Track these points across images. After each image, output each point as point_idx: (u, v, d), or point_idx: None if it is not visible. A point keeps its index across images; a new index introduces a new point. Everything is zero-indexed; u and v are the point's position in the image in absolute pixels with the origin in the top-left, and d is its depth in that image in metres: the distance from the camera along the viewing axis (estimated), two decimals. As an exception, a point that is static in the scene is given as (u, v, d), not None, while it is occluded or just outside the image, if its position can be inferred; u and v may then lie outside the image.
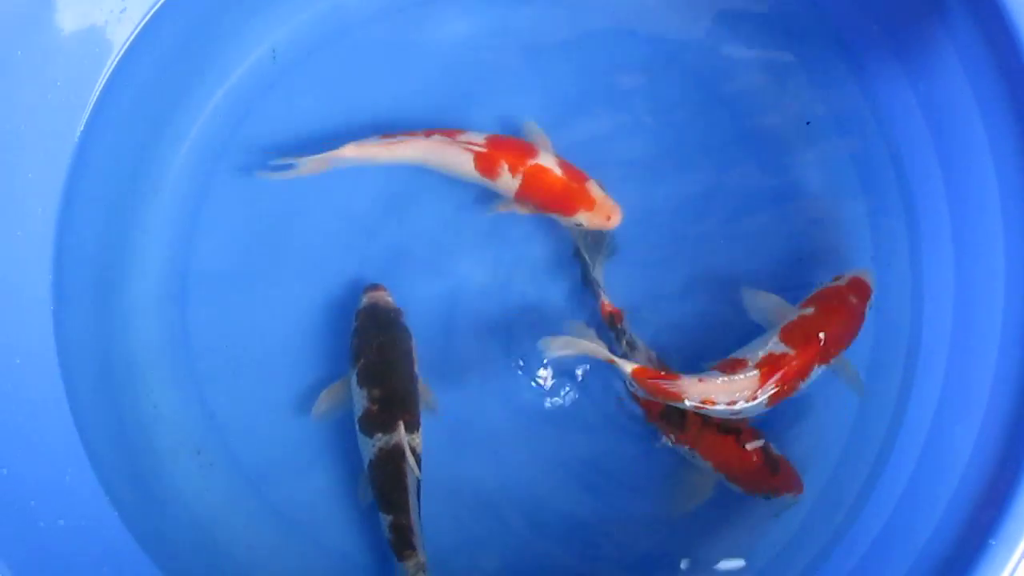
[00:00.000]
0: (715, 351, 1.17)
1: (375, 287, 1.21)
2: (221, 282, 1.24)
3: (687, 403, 1.09)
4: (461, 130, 1.19)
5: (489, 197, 1.23)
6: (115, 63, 1.20)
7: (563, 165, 1.19)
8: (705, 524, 1.21)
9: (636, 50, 1.31)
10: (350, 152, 1.19)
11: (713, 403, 1.09)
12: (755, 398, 1.10)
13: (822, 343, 1.12)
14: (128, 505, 1.14)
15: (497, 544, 1.21)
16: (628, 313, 1.21)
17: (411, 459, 1.11)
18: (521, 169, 1.17)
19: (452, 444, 1.21)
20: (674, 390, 1.09)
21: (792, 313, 1.16)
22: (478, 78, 1.30)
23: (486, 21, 1.31)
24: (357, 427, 1.15)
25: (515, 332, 1.24)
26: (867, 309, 1.17)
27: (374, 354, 1.16)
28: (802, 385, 1.12)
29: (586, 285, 1.22)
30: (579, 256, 1.22)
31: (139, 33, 1.21)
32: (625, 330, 1.19)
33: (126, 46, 1.21)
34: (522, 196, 1.19)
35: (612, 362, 1.11)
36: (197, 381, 1.22)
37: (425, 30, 1.31)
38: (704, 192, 1.28)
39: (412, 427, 1.14)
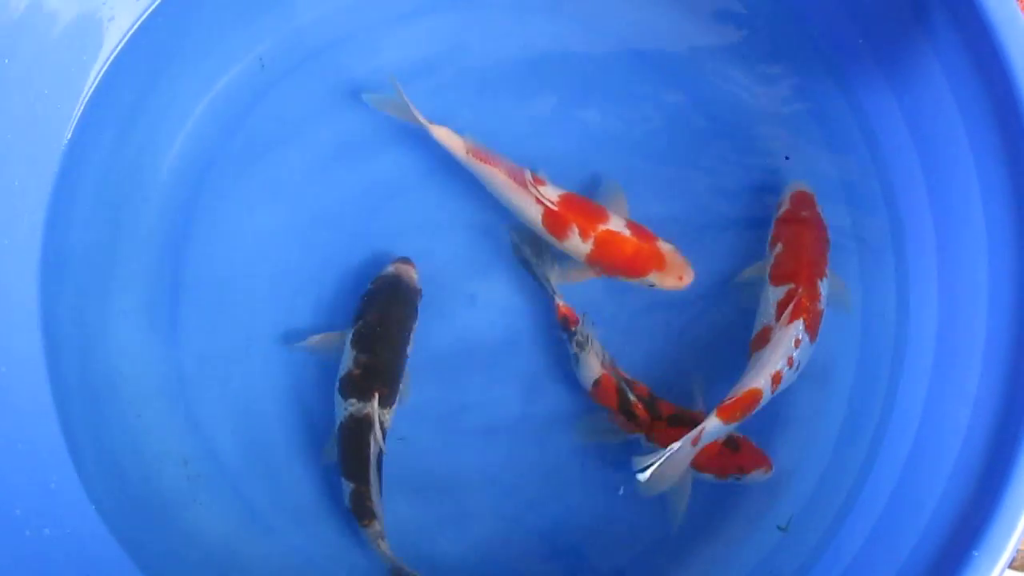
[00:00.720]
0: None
1: (405, 260, 1.21)
2: (209, 292, 1.24)
3: (765, 390, 1.09)
4: (541, 179, 1.19)
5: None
6: (103, 72, 1.21)
7: (633, 227, 1.19)
8: (688, 533, 1.20)
9: (618, 62, 1.31)
10: (441, 133, 1.19)
11: (780, 375, 1.10)
12: (799, 342, 1.11)
13: (808, 261, 1.15)
14: (114, 514, 1.15)
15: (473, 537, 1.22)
16: (591, 316, 1.20)
17: (378, 432, 1.11)
18: (592, 234, 1.17)
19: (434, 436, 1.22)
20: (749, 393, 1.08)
21: (768, 259, 1.19)
22: (474, 88, 1.30)
23: (483, 31, 1.32)
24: (336, 385, 1.15)
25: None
26: (820, 211, 1.20)
27: (375, 322, 1.16)
28: (821, 305, 1.14)
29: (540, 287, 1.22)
30: (524, 263, 1.22)
31: (127, 42, 1.22)
32: (577, 332, 1.18)
33: (114, 55, 1.22)
34: (593, 260, 1.19)
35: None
36: (184, 390, 1.22)
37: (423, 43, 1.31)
38: (689, 204, 1.28)
39: (386, 402, 1.14)
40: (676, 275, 1.18)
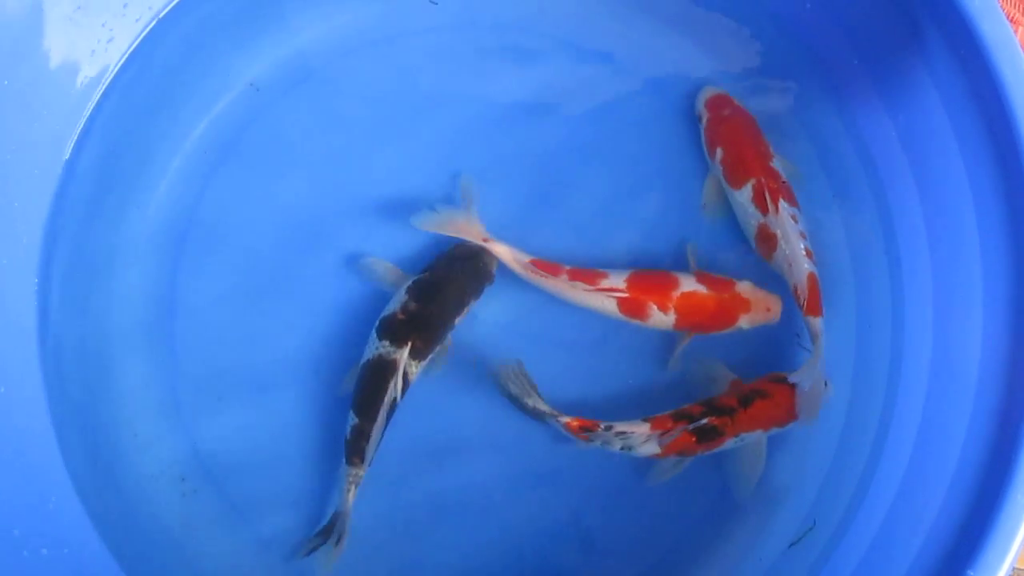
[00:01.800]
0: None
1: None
2: (206, 311, 1.24)
3: (814, 269, 1.17)
4: (600, 272, 1.19)
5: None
6: (101, 93, 1.21)
7: (706, 280, 1.19)
8: (688, 550, 1.21)
9: (617, 77, 1.32)
10: (500, 251, 1.19)
11: (809, 250, 1.17)
12: (796, 217, 1.18)
13: (754, 152, 1.21)
14: (112, 532, 1.14)
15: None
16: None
17: (399, 380, 1.11)
18: (671, 304, 1.17)
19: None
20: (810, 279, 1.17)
21: (717, 168, 1.24)
22: (461, 110, 1.31)
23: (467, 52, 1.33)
24: (376, 323, 1.16)
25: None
26: (737, 102, 1.25)
27: (438, 278, 1.17)
28: (785, 181, 1.20)
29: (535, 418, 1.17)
30: (512, 399, 1.17)
31: (124, 63, 1.23)
32: (600, 433, 1.13)
33: (112, 75, 1.22)
34: (681, 327, 1.19)
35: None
36: (180, 408, 1.22)
37: (406, 62, 1.32)
38: (684, 222, 1.28)
39: (417, 355, 1.14)
40: (764, 310, 1.20)
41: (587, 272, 1.19)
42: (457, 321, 1.18)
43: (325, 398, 1.22)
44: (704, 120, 1.25)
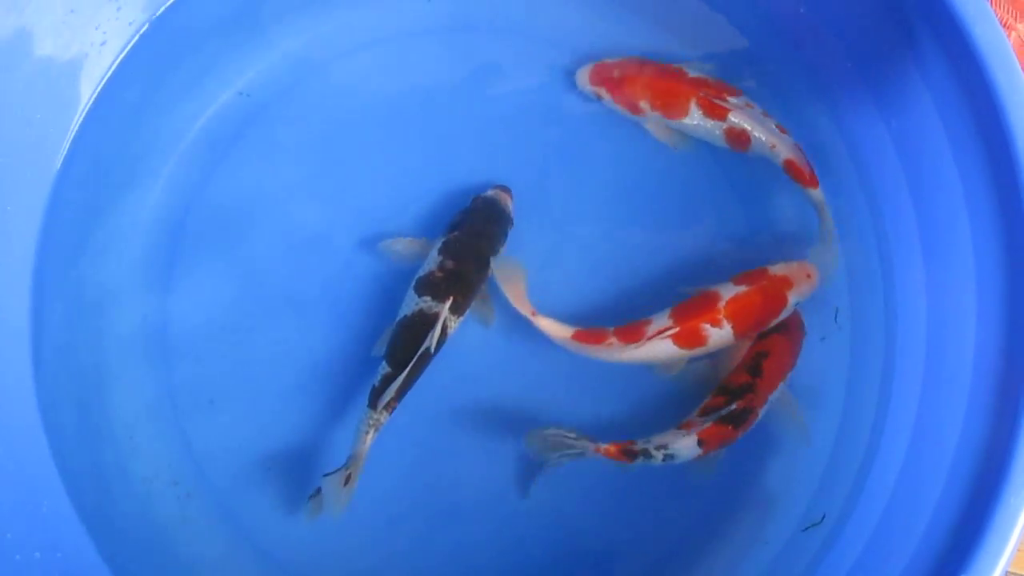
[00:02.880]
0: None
1: (504, 188, 1.26)
2: (200, 317, 1.24)
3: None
4: (642, 321, 1.18)
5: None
6: (95, 96, 1.22)
7: (742, 279, 1.19)
8: (681, 556, 1.21)
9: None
10: (545, 324, 1.18)
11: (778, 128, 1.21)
12: (750, 104, 1.23)
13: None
14: (105, 536, 1.15)
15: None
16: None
17: (437, 333, 1.14)
18: (721, 318, 1.16)
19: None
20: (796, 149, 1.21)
21: (653, 120, 1.26)
22: (459, 115, 1.31)
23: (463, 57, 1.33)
24: (412, 284, 1.18)
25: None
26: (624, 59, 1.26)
27: (466, 235, 1.21)
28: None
29: None
30: (547, 462, 1.17)
31: (119, 66, 1.22)
32: (642, 452, 1.14)
33: (106, 79, 1.22)
34: (742, 335, 1.18)
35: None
36: (175, 412, 1.22)
37: (402, 64, 1.32)
38: (676, 228, 1.28)
39: (457, 309, 1.17)
40: (804, 278, 1.20)
41: (631, 327, 1.18)
42: (490, 273, 1.21)
43: (320, 404, 1.22)
44: (604, 92, 1.26)
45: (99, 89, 1.22)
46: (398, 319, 1.18)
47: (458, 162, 1.29)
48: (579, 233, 1.28)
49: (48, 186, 1.18)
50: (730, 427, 1.14)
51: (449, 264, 1.18)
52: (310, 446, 1.21)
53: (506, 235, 1.23)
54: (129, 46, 1.23)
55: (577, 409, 1.22)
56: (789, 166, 1.21)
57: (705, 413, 1.15)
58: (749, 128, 1.21)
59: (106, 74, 1.22)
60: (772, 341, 1.19)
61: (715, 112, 1.22)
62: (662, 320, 1.17)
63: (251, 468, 1.21)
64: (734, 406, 1.13)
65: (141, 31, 1.23)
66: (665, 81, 1.24)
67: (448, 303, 1.16)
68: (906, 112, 1.15)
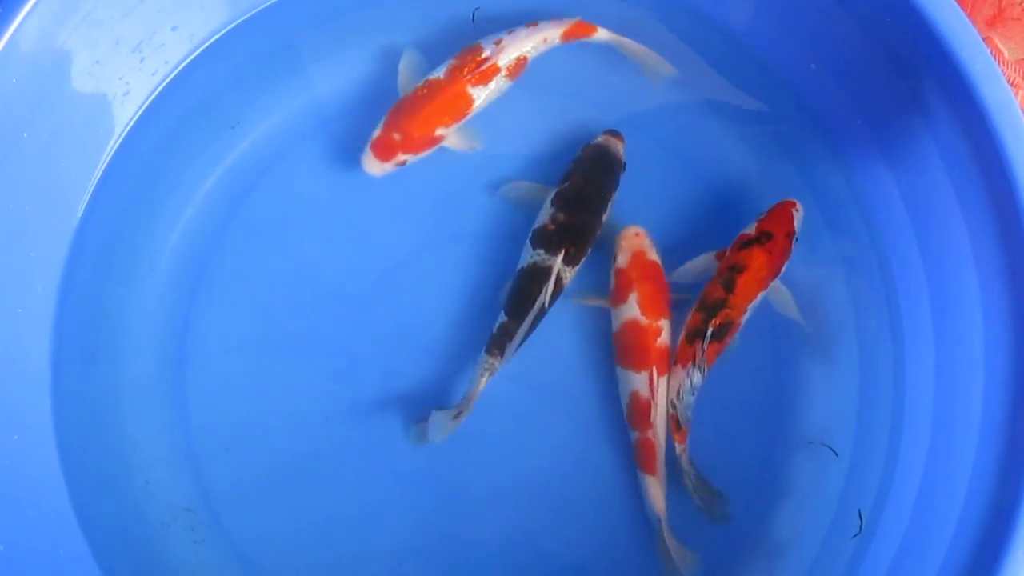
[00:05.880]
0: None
1: (615, 134, 1.27)
2: (218, 359, 1.25)
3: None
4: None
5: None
6: (117, 144, 1.23)
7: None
8: None
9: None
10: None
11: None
12: None
13: None
14: (122, 580, 1.16)
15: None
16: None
17: (551, 286, 1.18)
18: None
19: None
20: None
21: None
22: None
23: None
24: (529, 236, 1.22)
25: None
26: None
27: (578, 185, 1.23)
28: None
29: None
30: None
31: (141, 115, 1.24)
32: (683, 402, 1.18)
33: (128, 127, 1.24)
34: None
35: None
36: (192, 457, 1.22)
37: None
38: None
39: (571, 261, 1.21)
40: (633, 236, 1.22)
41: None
42: (604, 219, 1.24)
43: (336, 447, 1.23)
44: (402, 156, 1.24)
45: (122, 138, 1.23)
46: (517, 269, 1.21)
47: (480, 208, 1.30)
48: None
49: (71, 232, 1.20)
50: (714, 343, 1.17)
51: (561, 216, 1.21)
52: (327, 494, 1.22)
53: (617, 181, 1.25)
54: (151, 97, 1.25)
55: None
56: (567, 37, 1.25)
57: (692, 339, 1.17)
58: (517, 55, 1.24)
59: (129, 123, 1.24)
60: (750, 256, 1.19)
61: (487, 76, 1.24)
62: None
63: (268, 514, 1.22)
64: (710, 330, 1.16)
65: (164, 83, 1.25)
66: (430, 101, 1.23)
67: (560, 256, 1.19)
68: (915, 168, 1.17)
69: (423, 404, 1.23)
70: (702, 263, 1.24)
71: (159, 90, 1.25)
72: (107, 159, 1.23)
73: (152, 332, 1.25)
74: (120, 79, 1.21)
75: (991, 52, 1.05)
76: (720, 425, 1.25)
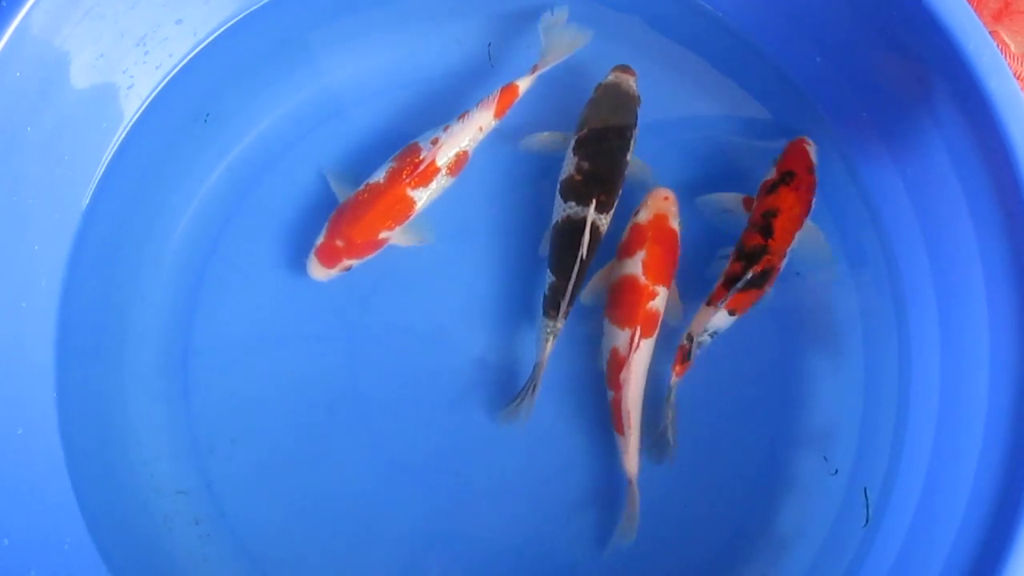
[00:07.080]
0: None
1: (625, 68, 1.25)
2: (221, 353, 1.25)
3: None
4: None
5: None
6: (121, 138, 1.23)
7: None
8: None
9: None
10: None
11: None
12: None
13: None
14: (127, 574, 1.15)
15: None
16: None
17: (587, 236, 1.16)
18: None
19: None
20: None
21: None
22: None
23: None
24: (558, 187, 1.21)
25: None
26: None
27: (597, 130, 1.21)
28: None
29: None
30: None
31: (145, 109, 1.24)
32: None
33: (132, 121, 1.24)
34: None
35: None
36: (196, 449, 1.23)
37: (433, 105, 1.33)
38: (693, 285, 1.28)
39: (603, 208, 1.19)
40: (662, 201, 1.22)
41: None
42: (629, 157, 1.22)
43: (340, 441, 1.23)
44: (346, 261, 1.23)
45: (126, 131, 1.24)
46: (552, 224, 1.21)
47: (492, 207, 1.30)
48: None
49: (75, 225, 1.20)
50: (754, 289, 1.17)
51: (585, 165, 1.19)
52: (330, 487, 1.22)
53: (636, 117, 1.23)
54: (156, 91, 1.25)
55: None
56: (500, 114, 1.21)
57: (727, 283, 1.17)
58: (455, 152, 1.21)
59: (133, 117, 1.24)
60: (783, 196, 1.18)
61: (427, 177, 1.20)
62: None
63: (273, 509, 1.22)
64: (750, 275, 1.15)
65: (168, 76, 1.25)
66: (371, 208, 1.20)
67: (592, 205, 1.17)
68: (921, 162, 1.17)
69: (427, 395, 1.23)
70: (729, 200, 1.23)
71: (163, 84, 1.25)
72: (111, 153, 1.23)
73: (156, 325, 1.25)
74: (124, 73, 1.21)
75: (997, 45, 1.05)
76: (725, 419, 1.25)
